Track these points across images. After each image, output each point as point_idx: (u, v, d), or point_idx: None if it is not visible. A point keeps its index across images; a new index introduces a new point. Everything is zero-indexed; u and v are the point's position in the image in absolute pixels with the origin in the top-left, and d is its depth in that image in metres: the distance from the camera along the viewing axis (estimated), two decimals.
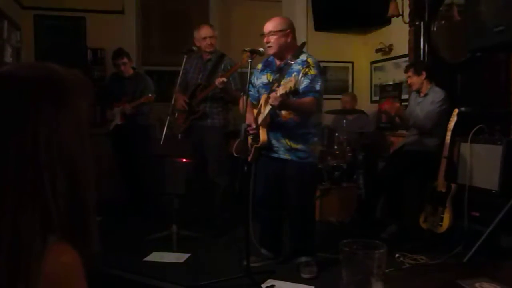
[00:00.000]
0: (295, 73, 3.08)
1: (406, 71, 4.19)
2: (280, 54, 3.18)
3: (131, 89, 4.74)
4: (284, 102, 2.90)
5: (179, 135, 4.22)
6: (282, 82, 3.08)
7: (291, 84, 2.79)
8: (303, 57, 3.16)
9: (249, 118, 3.14)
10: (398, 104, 4.17)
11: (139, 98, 4.58)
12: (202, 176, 4.18)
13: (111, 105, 4.77)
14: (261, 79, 3.29)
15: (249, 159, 3.20)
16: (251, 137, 3.17)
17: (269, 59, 3.31)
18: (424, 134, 3.98)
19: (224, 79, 3.82)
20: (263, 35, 3.16)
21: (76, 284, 0.76)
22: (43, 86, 0.77)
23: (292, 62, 3.15)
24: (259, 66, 3.37)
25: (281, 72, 3.17)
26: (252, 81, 3.35)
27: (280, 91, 2.84)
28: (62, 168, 0.77)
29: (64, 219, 0.76)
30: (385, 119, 4.24)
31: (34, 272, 0.71)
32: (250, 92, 3.32)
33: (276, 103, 2.87)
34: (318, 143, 3.69)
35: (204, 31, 4.15)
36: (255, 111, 3.21)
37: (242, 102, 3.37)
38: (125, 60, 4.74)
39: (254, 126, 3.12)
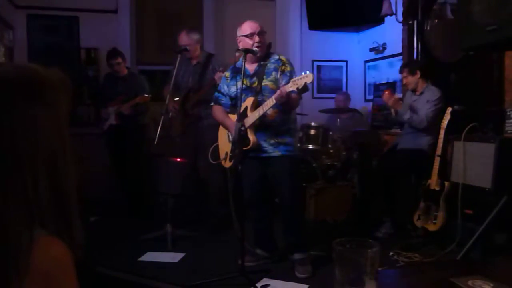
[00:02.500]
0: (273, 72, 3.17)
1: (401, 71, 4.21)
2: (262, 55, 3.20)
3: (125, 89, 4.73)
4: (288, 97, 2.94)
5: (178, 139, 4.27)
6: (263, 83, 3.15)
7: (308, 80, 2.79)
8: (274, 56, 3.24)
9: (231, 126, 3.17)
10: (397, 97, 4.21)
11: (134, 98, 4.58)
12: (195, 176, 4.21)
13: (105, 105, 4.76)
14: (235, 86, 3.27)
15: (227, 164, 3.26)
16: (230, 140, 3.20)
17: (237, 65, 3.31)
18: (418, 132, 4.00)
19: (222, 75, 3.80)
20: (251, 34, 3.15)
21: (65, 277, 0.78)
22: (17, 85, 0.81)
23: (266, 63, 3.20)
24: (227, 74, 3.37)
25: (259, 73, 3.19)
26: (222, 90, 3.37)
27: (289, 88, 2.86)
28: (42, 161, 0.80)
29: (47, 211, 0.79)
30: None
31: (23, 265, 0.72)
32: (222, 101, 3.36)
33: (284, 100, 2.91)
34: (297, 138, 3.80)
35: (181, 39, 4.12)
36: (233, 116, 3.22)
37: (215, 109, 3.39)
38: (119, 60, 4.73)
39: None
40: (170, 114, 4.20)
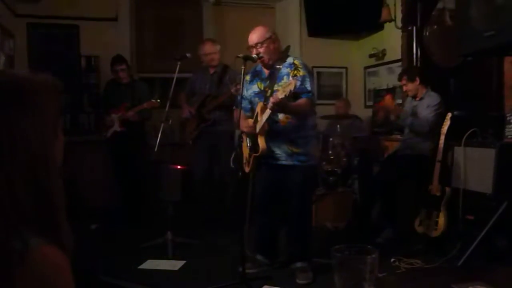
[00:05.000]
0: (285, 76, 3.13)
1: (399, 79, 4.21)
2: (272, 61, 3.20)
3: (129, 96, 4.74)
4: (283, 105, 2.92)
5: (190, 141, 4.54)
6: (274, 88, 3.11)
7: (291, 87, 2.78)
8: (289, 60, 3.21)
9: (242, 125, 3.18)
10: (397, 104, 4.23)
11: (138, 104, 4.60)
12: (211, 179, 4.42)
13: (108, 111, 4.76)
14: (252, 89, 3.30)
15: (248, 170, 3.21)
16: (248, 146, 3.19)
17: (257, 69, 3.32)
18: (418, 138, 4.00)
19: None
20: (250, 47, 3.17)
21: (63, 286, 0.76)
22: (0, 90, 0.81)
23: (280, 67, 3.18)
24: (248, 77, 3.35)
25: (271, 78, 3.19)
26: (243, 93, 3.38)
27: (280, 94, 2.84)
28: (20, 165, 0.79)
29: (29, 217, 0.78)
30: (381, 116, 4.28)
31: (18, 273, 0.72)
32: (242, 104, 3.36)
33: (276, 108, 2.90)
34: (316, 145, 3.76)
35: (206, 48, 4.52)
36: (250, 121, 3.21)
37: (236, 113, 3.40)
38: (124, 66, 4.76)
39: (252, 128, 3.11)
40: (170, 120, 4.31)
